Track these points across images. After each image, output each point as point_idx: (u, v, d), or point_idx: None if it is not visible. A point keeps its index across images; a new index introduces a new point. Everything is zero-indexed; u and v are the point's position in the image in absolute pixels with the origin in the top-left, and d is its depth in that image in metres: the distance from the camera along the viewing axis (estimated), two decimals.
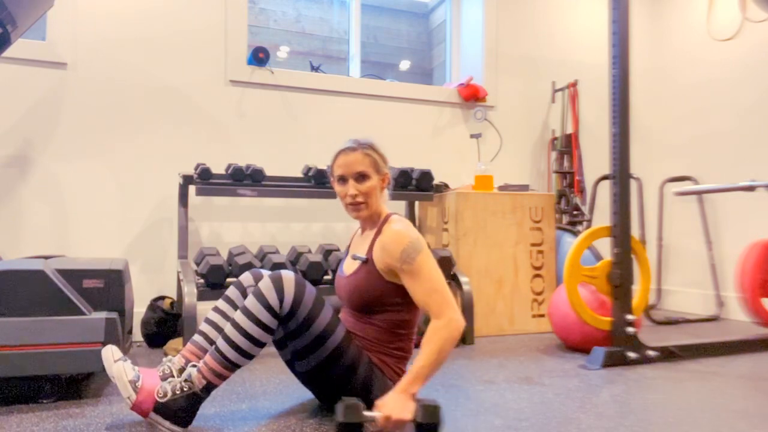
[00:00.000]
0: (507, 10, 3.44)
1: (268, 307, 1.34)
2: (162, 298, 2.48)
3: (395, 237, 1.44)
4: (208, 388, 1.35)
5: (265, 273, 1.55)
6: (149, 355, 2.23)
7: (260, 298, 1.35)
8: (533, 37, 3.51)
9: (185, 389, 1.34)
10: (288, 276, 1.38)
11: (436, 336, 1.35)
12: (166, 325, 2.38)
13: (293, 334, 1.39)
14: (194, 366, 1.37)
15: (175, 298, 2.57)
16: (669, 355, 2.18)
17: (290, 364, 1.53)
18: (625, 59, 2.16)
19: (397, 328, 1.50)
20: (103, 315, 1.62)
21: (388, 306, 1.48)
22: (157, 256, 2.62)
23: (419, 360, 1.34)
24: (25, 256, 2.39)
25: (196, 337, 1.51)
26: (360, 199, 1.52)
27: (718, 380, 1.89)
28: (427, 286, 1.41)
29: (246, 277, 1.57)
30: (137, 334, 2.53)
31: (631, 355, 2.09)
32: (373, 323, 1.50)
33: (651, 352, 2.13)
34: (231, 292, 1.55)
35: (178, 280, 2.40)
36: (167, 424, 1.32)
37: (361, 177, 1.52)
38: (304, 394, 1.70)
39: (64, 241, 2.48)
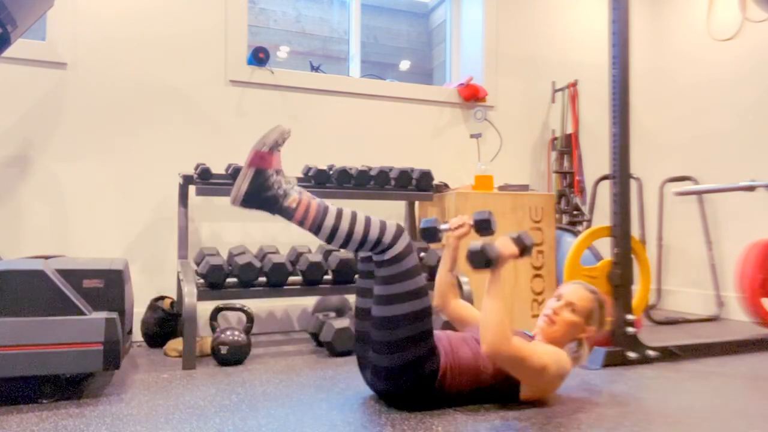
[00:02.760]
0: (507, 10, 3.44)
1: (378, 241, 1.50)
2: (162, 298, 2.48)
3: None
4: (288, 212, 1.47)
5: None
6: (149, 355, 2.24)
7: (381, 230, 1.50)
8: (533, 37, 3.51)
9: (279, 192, 1.47)
10: (406, 234, 1.54)
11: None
12: (166, 325, 2.38)
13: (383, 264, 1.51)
14: (300, 192, 1.50)
15: (175, 298, 2.57)
16: (669, 355, 2.18)
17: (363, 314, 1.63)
18: (625, 59, 2.16)
19: (480, 376, 1.56)
20: (103, 315, 1.62)
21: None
22: (157, 256, 2.62)
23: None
24: (25, 256, 2.40)
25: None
26: (555, 319, 1.63)
27: (718, 380, 1.89)
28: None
29: None
30: (137, 334, 2.54)
31: (631, 355, 2.09)
32: (478, 360, 1.56)
33: (651, 352, 2.13)
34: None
35: (178, 280, 2.40)
36: (245, 187, 1.46)
37: (571, 309, 1.63)
38: (303, 396, 1.70)
39: (64, 241, 2.48)
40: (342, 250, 2.45)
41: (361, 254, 1.63)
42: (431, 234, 1.80)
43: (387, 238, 1.51)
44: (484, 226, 1.75)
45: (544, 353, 1.52)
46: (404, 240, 1.53)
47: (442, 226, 1.81)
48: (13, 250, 2.41)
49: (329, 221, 1.49)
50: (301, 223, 1.49)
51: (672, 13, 3.74)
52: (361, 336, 1.62)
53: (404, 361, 1.47)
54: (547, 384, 1.55)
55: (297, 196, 1.49)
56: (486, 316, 1.46)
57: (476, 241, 1.53)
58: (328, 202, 1.63)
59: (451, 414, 1.51)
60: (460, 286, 1.83)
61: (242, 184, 1.47)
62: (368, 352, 1.57)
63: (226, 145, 2.76)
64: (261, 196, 1.48)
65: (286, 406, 1.58)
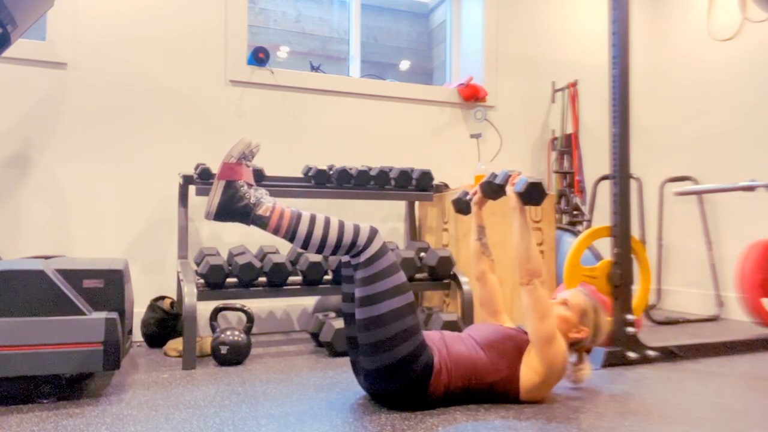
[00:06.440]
0: (507, 10, 3.44)
1: (353, 243, 1.51)
2: (162, 298, 2.48)
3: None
4: (262, 220, 1.49)
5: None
6: (149, 355, 2.24)
7: (354, 232, 1.52)
8: (533, 37, 3.51)
9: (251, 202, 1.50)
10: (380, 235, 1.56)
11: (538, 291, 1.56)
12: (166, 325, 2.38)
13: (360, 267, 1.52)
14: (272, 201, 1.52)
15: (175, 298, 2.57)
16: (669, 355, 2.18)
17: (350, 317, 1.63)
18: (625, 59, 2.16)
19: (477, 372, 1.56)
20: (103, 315, 1.62)
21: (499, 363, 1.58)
22: (157, 256, 2.62)
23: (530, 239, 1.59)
24: (25, 256, 2.40)
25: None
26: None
27: (718, 380, 1.89)
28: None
29: None
30: (137, 334, 2.54)
31: (631, 355, 2.09)
32: (474, 354, 1.56)
33: (651, 352, 2.13)
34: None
35: (178, 280, 2.40)
36: (216, 199, 1.49)
37: (563, 305, 1.68)
38: (303, 396, 1.70)
39: (64, 241, 2.48)
40: None
41: (341, 259, 1.64)
42: (460, 204, 1.89)
43: (361, 240, 1.52)
44: (493, 189, 1.76)
45: (558, 332, 1.58)
46: (378, 241, 1.54)
47: (467, 197, 1.89)
48: (12, 250, 2.41)
49: (303, 227, 1.50)
50: (275, 231, 1.50)
51: (672, 13, 3.74)
52: (351, 341, 1.63)
53: (394, 359, 1.47)
54: (551, 361, 1.54)
55: (270, 204, 1.51)
56: (526, 248, 1.56)
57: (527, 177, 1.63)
58: (305, 209, 1.64)
59: (451, 414, 1.51)
60: (490, 253, 1.86)
61: (214, 198, 1.49)
62: (359, 356, 1.57)
63: (226, 145, 2.76)
64: (233, 207, 1.50)
65: (286, 406, 1.58)
